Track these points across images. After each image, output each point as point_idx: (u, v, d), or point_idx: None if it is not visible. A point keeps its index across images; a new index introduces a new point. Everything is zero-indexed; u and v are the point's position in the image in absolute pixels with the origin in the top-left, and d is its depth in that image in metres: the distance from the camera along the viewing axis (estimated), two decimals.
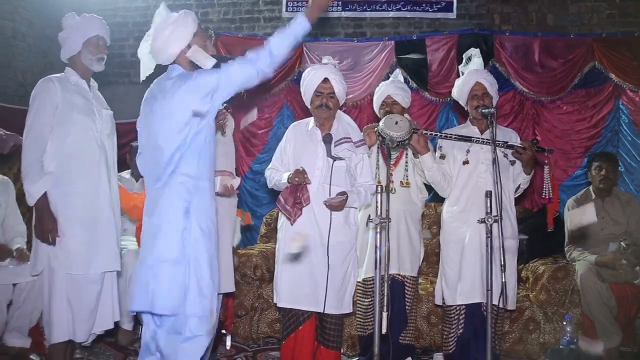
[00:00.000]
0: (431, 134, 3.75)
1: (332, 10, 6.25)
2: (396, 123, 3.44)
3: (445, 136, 3.69)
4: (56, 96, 3.28)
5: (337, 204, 3.35)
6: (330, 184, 3.39)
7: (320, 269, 3.37)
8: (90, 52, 3.42)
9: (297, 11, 6.32)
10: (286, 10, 6.36)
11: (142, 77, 2.98)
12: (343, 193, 3.36)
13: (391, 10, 6.17)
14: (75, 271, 3.25)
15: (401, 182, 3.77)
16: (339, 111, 3.59)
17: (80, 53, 3.42)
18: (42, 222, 3.23)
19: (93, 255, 3.30)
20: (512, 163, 3.64)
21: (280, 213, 3.59)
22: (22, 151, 3.29)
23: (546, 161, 3.63)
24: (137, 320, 4.39)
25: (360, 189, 3.49)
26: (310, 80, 3.49)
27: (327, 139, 3.45)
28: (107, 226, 3.39)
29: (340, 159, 3.42)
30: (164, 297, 2.60)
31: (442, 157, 3.75)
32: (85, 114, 3.36)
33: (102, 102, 3.56)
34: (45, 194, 3.23)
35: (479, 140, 3.60)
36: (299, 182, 3.35)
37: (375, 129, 3.53)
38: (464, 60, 3.85)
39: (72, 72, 3.44)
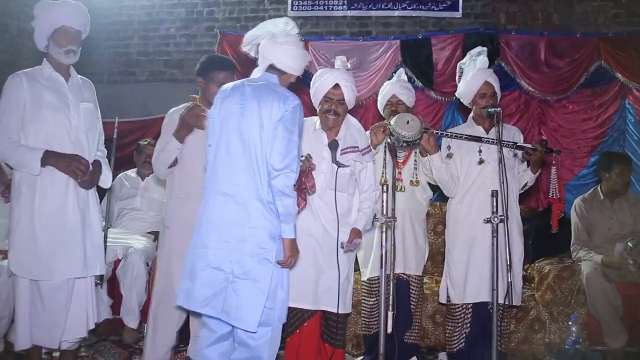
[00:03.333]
0: (442, 134, 3.73)
1: (338, 9, 6.24)
2: (407, 122, 3.42)
3: (454, 136, 3.68)
4: (23, 92, 3.13)
5: (357, 247, 3.45)
6: (335, 190, 3.37)
7: (330, 270, 3.37)
8: (57, 45, 3.22)
9: (302, 10, 6.32)
10: (291, 9, 6.36)
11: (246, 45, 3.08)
12: (357, 232, 3.41)
13: (397, 9, 6.17)
14: (37, 277, 3.11)
15: (411, 181, 3.76)
16: (347, 115, 3.57)
17: (48, 46, 3.25)
18: (65, 164, 3.10)
19: (56, 261, 3.13)
20: (515, 155, 3.64)
21: None
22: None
23: (554, 162, 3.62)
24: (141, 318, 4.41)
25: (367, 209, 3.48)
26: (320, 84, 3.46)
27: (333, 145, 3.43)
28: (74, 231, 3.20)
29: (345, 166, 3.42)
30: (248, 312, 2.73)
31: (449, 156, 3.73)
32: (56, 110, 3.18)
33: (82, 95, 3.34)
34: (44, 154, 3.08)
35: (488, 141, 3.59)
36: (304, 168, 3.23)
37: (386, 127, 3.52)
38: (468, 56, 3.80)
39: (46, 65, 3.25)
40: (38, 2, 3.24)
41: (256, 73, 2.99)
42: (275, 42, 2.92)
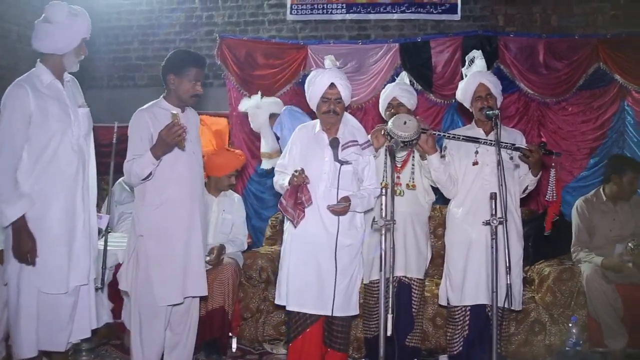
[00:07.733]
0: (439, 134, 3.75)
1: (337, 13, 6.26)
2: (405, 123, 3.43)
3: (452, 137, 3.69)
4: (29, 104, 2.99)
5: (341, 210, 3.33)
6: (337, 188, 3.38)
7: (328, 272, 3.37)
8: (76, 55, 3.17)
9: (301, 14, 6.34)
10: (290, 13, 6.37)
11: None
12: (347, 198, 3.35)
13: (395, 13, 6.17)
14: (52, 291, 3.09)
15: (407, 184, 3.77)
16: (345, 114, 3.58)
17: (65, 54, 3.13)
18: (20, 242, 3.00)
19: (69, 271, 3.13)
20: (516, 167, 3.64)
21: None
22: None
23: (553, 164, 3.62)
24: None
25: (364, 192, 3.47)
26: (316, 86, 3.46)
27: (334, 144, 3.44)
28: (83, 239, 3.22)
29: (348, 162, 3.42)
30: None
31: (443, 156, 3.74)
32: (61, 120, 3.10)
33: (78, 100, 3.27)
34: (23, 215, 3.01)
35: (486, 142, 3.60)
36: (297, 182, 3.31)
37: (383, 129, 3.53)
38: (466, 63, 3.84)
39: (44, 70, 3.12)
40: (39, 8, 3.16)
41: None
42: None
